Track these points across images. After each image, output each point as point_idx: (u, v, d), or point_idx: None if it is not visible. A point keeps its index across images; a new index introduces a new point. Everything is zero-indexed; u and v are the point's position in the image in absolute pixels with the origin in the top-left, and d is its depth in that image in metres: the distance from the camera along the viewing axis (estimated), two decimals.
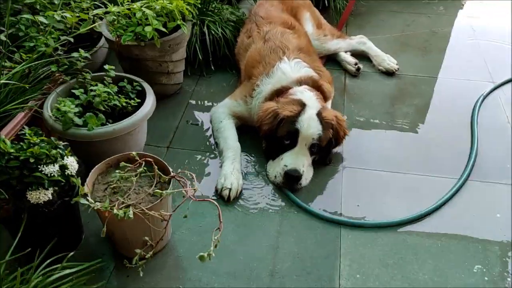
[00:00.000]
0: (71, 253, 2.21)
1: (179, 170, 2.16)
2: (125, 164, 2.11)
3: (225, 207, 2.52)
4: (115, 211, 1.92)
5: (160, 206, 2.04)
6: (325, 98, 2.86)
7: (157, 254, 2.28)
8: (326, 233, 2.40)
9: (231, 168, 2.62)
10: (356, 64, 3.48)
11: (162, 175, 2.15)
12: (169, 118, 3.08)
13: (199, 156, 2.82)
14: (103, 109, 2.41)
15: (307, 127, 2.55)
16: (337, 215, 2.48)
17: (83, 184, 2.06)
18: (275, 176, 2.60)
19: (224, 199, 2.53)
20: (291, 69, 2.81)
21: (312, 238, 2.38)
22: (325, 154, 2.72)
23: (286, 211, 2.51)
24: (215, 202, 2.08)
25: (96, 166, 2.21)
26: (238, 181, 2.58)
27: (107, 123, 2.38)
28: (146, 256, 2.01)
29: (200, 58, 3.40)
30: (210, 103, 3.24)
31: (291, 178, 2.54)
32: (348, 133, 2.76)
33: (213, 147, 2.88)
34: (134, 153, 2.15)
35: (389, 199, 2.58)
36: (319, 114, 2.61)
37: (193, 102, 3.25)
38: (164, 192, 1.99)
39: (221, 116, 2.91)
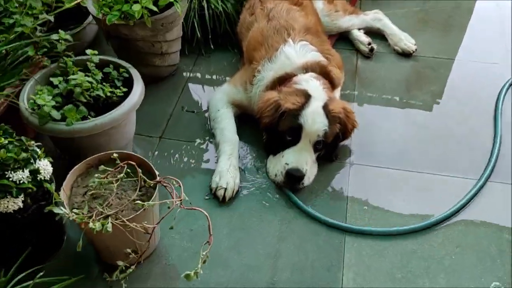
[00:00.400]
0: (49, 262, 2.08)
1: (164, 177, 1.93)
2: (105, 168, 1.89)
3: (220, 209, 2.31)
4: (90, 224, 1.72)
5: (143, 217, 1.83)
6: (333, 86, 2.59)
7: (143, 262, 2.09)
8: (329, 240, 2.19)
9: (227, 164, 2.40)
10: (369, 44, 3.17)
11: (147, 179, 1.93)
12: (163, 103, 2.84)
13: (194, 148, 2.59)
14: (85, 100, 2.16)
15: (311, 123, 2.30)
16: (341, 220, 2.25)
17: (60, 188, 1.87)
18: (276, 175, 2.37)
19: (219, 200, 2.32)
20: (296, 53, 2.53)
21: (314, 245, 2.17)
22: (331, 149, 2.47)
23: (286, 214, 2.29)
24: (204, 212, 1.87)
25: (75, 167, 2.00)
26: (234, 179, 2.35)
27: (89, 116, 2.15)
28: (128, 271, 1.82)
29: (199, 35, 3.11)
30: (209, 87, 2.98)
31: (293, 178, 2.30)
32: (357, 126, 2.50)
33: (210, 138, 2.63)
34: (115, 154, 1.92)
35: (399, 202, 2.34)
36: (325, 107, 2.35)
37: (190, 85, 2.99)
38: (145, 204, 1.77)
39: (218, 104, 2.66)
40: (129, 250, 1.85)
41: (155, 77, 2.91)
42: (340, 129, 2.41)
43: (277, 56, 2.53)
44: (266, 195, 2.37)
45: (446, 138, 2.66)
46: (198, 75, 3.06)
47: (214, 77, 3.05)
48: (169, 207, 1.82)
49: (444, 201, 2.33)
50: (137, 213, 1.82)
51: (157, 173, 1.97)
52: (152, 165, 2.00)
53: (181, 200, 1.82)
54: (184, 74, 3.05)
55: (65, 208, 1.82)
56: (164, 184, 1.91)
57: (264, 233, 2.22)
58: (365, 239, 2.19)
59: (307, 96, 2.35)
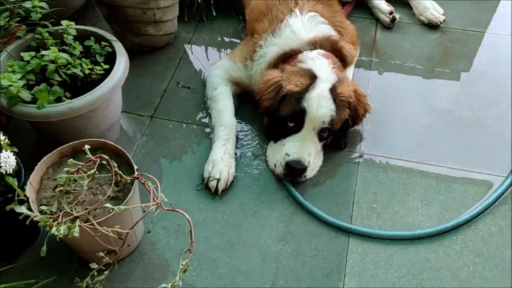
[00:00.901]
0: (21, 258, 1.91)
1: (141, 174, 1.69)
2: (74, 161, 1.66)
3: (211, 202, 2.09)
4: (53, 230, 1.51)
5: (116, 219, 1.62)
6: (345, 64, 2.28)
7: (124, 260, 1.90)
8: (331, 243, 1.95)
9: (222, 151, 2.15)
10: (391, 13, 2.81)
11: (123, 175, 1.70)
12: (157, 77, 2.57)
13: (188, 130, 2.34)
14: (60, 79, 1.92)
15: (316, 107, 2.02)
16: (346, 219, 2.01)
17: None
18: (275, 165, 2.11)
19: (211, 191, 2.09)
20: (303, 26, 2.21)
21: (313, 249, 1.94)
22: (339, 136, 2.20)
23: (285, 210, 2.06)
24: (186, 215, 1.65)
25: (46, 157, 1.78)
26: (229, 169, 2.11)
27: (64, 97, 1.91)
28: (101, 277, 1.62)
29: (199, 0, 2.80)
30: (209, 58, 2.69)
31: (293, 171, 2.05)
32: (370, 111, 2.21)
33: (206, 118, 2.38)
34: (87, 146, 1.68)
35: (414, 201, 2.08)
36: (333, 90, 2.06)
37: (189, 56, 2.70)
38: (115, 208, 1.55)
39: (216, 81, 2.38)
40: (102, 254, 1.65)
41: (150, 47, 2.64)
42: (349, 115, 2.12)
43: (281, 29, 2.22)
44: (264, 188, 2.13)
45: (472, 126, 2.35)
46: (198, 45, 2.76)
47: (215, 47, 2.75)
48: (144, 211, 1.59)
49: (465, 201, 2.06)
50: (108, 215, 1.60)
51: (135, 167, 1.74)
52: (130, 157, 1.77)
53: (157, 204, 1.59)
54: (183, 43, 2.76)
55: (32, 204, 1.62)
56: (142, 181, 1.68)
57: (259, 232, 1.99)
58: (371, 243, 1.95)
59: (312, 77, 2.06)
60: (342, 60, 2.26)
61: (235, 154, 2.21)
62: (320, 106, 2.02)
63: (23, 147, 1.81)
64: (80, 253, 1.84)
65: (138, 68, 2.58)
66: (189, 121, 2.37)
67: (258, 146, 2.27)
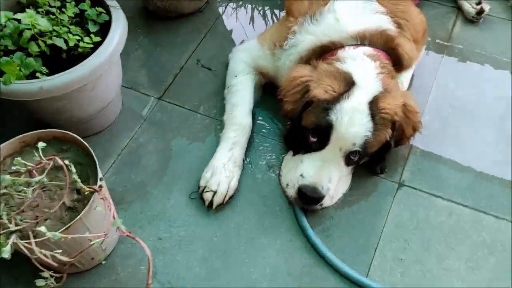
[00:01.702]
0: None
1: (100, 186, 1.36)
2: (20, 161, 1.35)
3: (203, 216, 1.74)
4: None
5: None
6: (400, 67, 1.78)
7: (88, 273, 1.62)
8: None
9: (226, 157, 1.77)
10: (479, 3, 2.20)
11: (81, 183, 1.37)
12: (176, 51, 2.19)
13: (198, 121, 1.97)
14: (38, 49, 1.59)
15: (347, 124, 1.57)
16: (362, 270, 1.59)
17: None
18: (287, 185, 1.70)
19: (205, 204, 1.73)
20: (351, 13, 1.73)
21: None
22: (375, 159, 1.73)
23: (287, 243, 1.67)
24: (147, 251, 1.31)
25: (4, 144, 1.49)
26: (230, 181, 1.73)
27: (40, 72, 1.59)
28: None
29: None
30: (244, 35, 2.25)
31: (306, 198, 1.63)
32: (421, 130, 1.72)
33: (222, 110, 1.97)
34: (41, 143, 1.37)
35: (456, 260, 1.61)
36: (373, 103, 1.59)
37: (218, 29, 2.28)
38: (50, 234, 1.23)
39: (238, 67, 1.97)
40: (47, 274, 1.36)
41: (175, 13, 2.25)
42: (392, 136, 1.65)
43: (322, 15, 1.74)
44: (270, 209, 1.74)
45: None
46: (234, 16, 2.33)
47: (256, 21, 2.30)
48: (90, 240, 1.27)
49: None
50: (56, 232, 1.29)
51: (99, 175, 1.40)
52: (96, 161, 1.43)
53: (105, 235, 1.26)
54: (215, 12, 2.33)
55: None
56: (101, 197, 1.35)
57: (251, 265, 1.62)
58: None
59: (349, 83, 1.60)
60: (397, 62, 1.76)
61: (244, 161, 1.82)
62: (352, 122, 1.56)
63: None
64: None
65: (158, 36, 2.22)
66: (201, 110, 2.00)
67: (275, 155, 1.86)
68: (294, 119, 1.70)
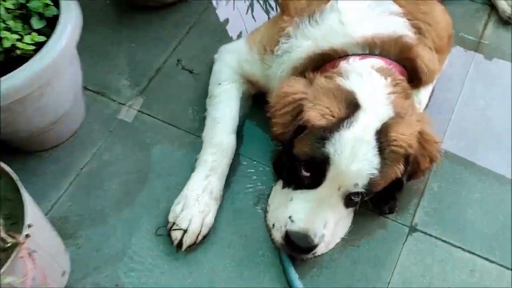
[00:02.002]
0: None
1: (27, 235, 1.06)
2: None
3: (169, 259, 1.45)
4: None
5: None
6: (418, 82, 1.44)
7: None
8: None
9: (201, 186, 1.46)
10: None
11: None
12: (155, 48, 1.86)
13: (173, 136, 1.66)
14: None
15: (348, 159, 1.24)
16: None
17: None
18: (273, 225, 1.39)
19: (173, 243, 1.43)
20: (359, 15, 1.38)
21: None
22: (384, 197, 1.41)
23: None
24: None
25: None
26: (204, 216, 1.43)
27: None
28: None
29: None
30: (240, 25, 1.91)
31: (295, 247, 1.32)
32: (438, 161, 1.40)
33: (202, 123, 1.65)
34: None
35: None
36: (382, 133, 1.26)
37: (205, 23, 1.94)
38: None
39: (222, 73, 1.64)
40: None
41: (157, 3, 1.93)
42: (405, 172, 1.32)
43: (324, 15, 1.40)
44: (252, 254, 1.44)
45: None
46: (222, 8, 1.99)
47: (256, 9, 1.96)
48: None
49: None
50: None
51: (27, 221, 1.11)
52: (26, 200, 1.13)
53: None
54: (201, 3, 1.99)
55: None
56: (21, 255, 1.05)
57: None
58: None
59: (352, 105, 1.27)
60: (414, 77, 1.42)
61: (223, 191, 1.51)
62: (354, 157, 1.24)
63: None
64: None
65: (134, 30, 1.90)
66: (180, 123, 1.68)
67: (265, 185, 1.55)
68: (285, 144, 1.38)
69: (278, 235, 1.36)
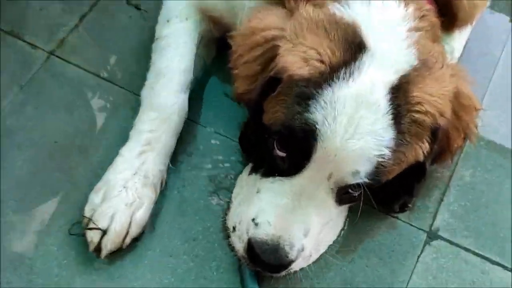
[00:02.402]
0: None
1: None
2: None
3: (86, 268, 1.00)
4: None
5: None
6: (452, 21, 0.98)
7: None
8: None
9: (132, 167, 1.03)
10: None
11: None
12: None
13: (107, 95, 1.21)
14: None
15: (345, 130, 0.80)
16: None
17: None
18: (234, 227, 0.94)
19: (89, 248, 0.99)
20: None
21: None
22: (395, 191, 0.97)
23: None
24: None
25: None
26: (134, 211, 1.00)
27: None
28: None
29: None
30: None
31: (261, 263, 0.87)
32: (475, 136, 0.96)
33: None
34: None
35: None
36: (399, 91, 0.81)
37: None
38: None
39: (172, 8, 1.17)
40: None
41: None
42: (431, 152, 0.88)
43: None
44: (201, 264, 1.01)
45: None
46: None
47: None
48: None
49: None
50: None
51: None
52: None
53: None
54: None
55: None
56: None
57: None
58: None
59: (353, 46, 0.82)
60: (446, 14, 0.94)
61: (165, 175, 1.06)
62: (356, 129, 0.80)
63: None
64: None
65: None
66: (115, 78, 1.23)
67: (234, 169, 1.10)
68: (250, 108, 0.92)
69: (238, 245, 0.92)
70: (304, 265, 0.93)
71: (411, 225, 1.02)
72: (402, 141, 0.82)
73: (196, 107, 1.15)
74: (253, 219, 0.88)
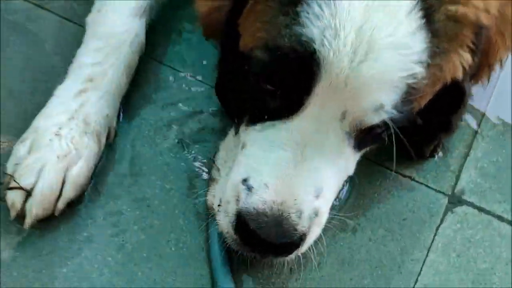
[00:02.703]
0: None
1: None
2: None
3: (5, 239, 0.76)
4: None
5: None
6: None
7: None
8: None
9: (68, 110, 0.80)
10: None
11: None
12: None
13: (45, 23, 0.94)
14: None
15: (356, 47, 0.56)
16: None
17: None
18: (219, 203, 0.71)
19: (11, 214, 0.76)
20: None
21: None
22: (423, 129, 0.73)
23: None
24: None
25: None
26: (68, 167, 0.77)
27: None
28: None
29: None
30: None
31: (258, 241, 0.64)
32: None
33: None
34: None
35: None
36: None
37: None
38: None
39: None
40: None
41: None
42: (473, 63, 0.64)
43: None
44: (159, 241, 0.77)
45: None
46: None
47: None
48: None
49: None
50: None
51: None
52: None
53: None
54: None
55: None
56: None
57: None
58: None
59: None
60: None
61: (115, 121, 0.83)
62: (370, 44, 0.56)
63: None
64: None
65: None
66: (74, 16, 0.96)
67: (208, 122, 0.87)
68: (223, 35, 0.70)
69: (224, 221, 0.68)
70: (319, 232, 0.70)
71: (428, 186, 0.80)
72: (437, 48, 0.59)
73: (158, 42, 0.92)
74: (244, 180, 0.65)
